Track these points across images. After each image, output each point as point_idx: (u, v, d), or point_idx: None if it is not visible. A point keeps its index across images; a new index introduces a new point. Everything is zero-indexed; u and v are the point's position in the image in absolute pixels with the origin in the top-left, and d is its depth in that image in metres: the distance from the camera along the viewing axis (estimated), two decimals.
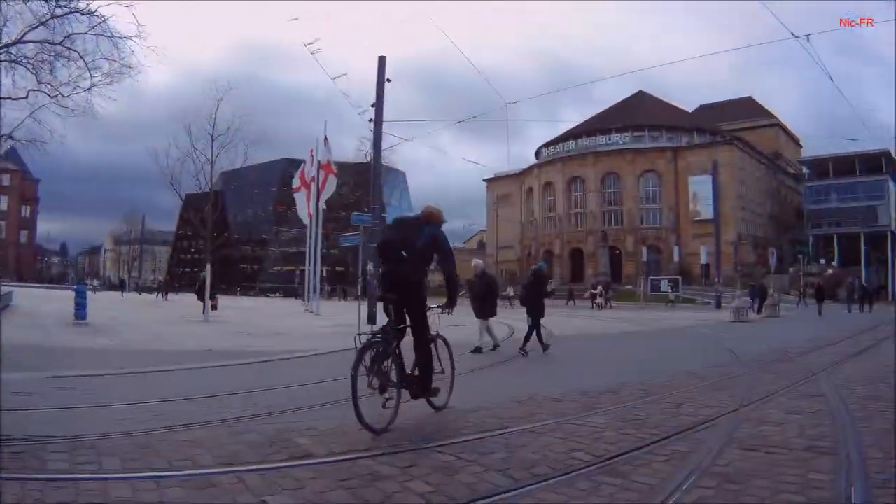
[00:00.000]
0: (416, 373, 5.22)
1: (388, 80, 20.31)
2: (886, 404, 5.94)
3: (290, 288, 67.27)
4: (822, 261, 61.48)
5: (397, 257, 5.23)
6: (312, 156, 28.18)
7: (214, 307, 21.94)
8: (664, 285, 50.58)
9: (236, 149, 23.01)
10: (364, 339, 5.01)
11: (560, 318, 24.85)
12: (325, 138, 27.93)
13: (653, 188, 69.43)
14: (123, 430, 4.70)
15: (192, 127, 22.81)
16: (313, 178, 27.92)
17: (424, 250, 5.27)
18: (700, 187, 64.36)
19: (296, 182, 31.09)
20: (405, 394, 5.03)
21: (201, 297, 22.00)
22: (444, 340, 5.70)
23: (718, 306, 36.69)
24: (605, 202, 70.87)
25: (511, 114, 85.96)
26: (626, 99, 79.36)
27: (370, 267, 19.60)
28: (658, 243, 67.02)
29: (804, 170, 74.87)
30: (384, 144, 21.72)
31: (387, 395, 4.85)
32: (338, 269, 70.11)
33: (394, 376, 4.98)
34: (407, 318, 5.27)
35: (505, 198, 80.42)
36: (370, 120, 20.63)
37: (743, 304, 25.91)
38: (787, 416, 5.42)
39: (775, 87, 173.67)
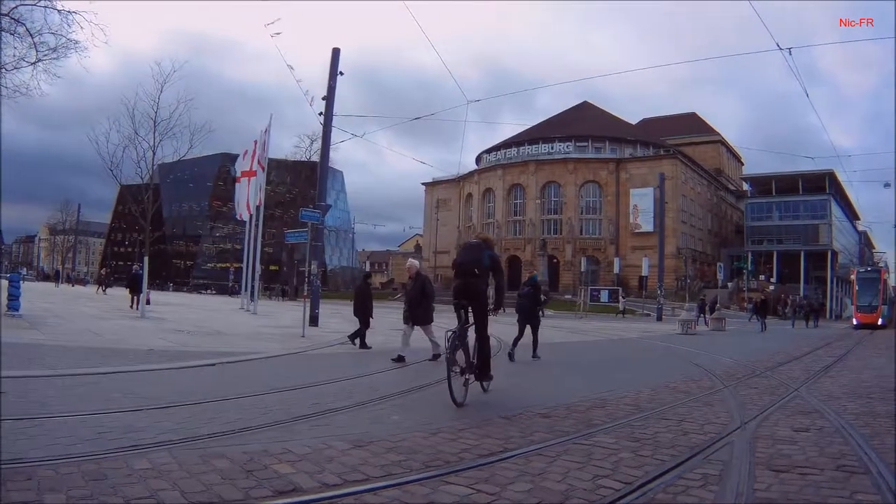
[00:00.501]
0: (476, 360, 6.86)
1: (341, 74, 20.32)
2: (886, 420, 6.02)
3: (222, 285, 66.19)
4: (762, 276, 63.84)
5: (471, 273, 6.98)
6: (255, 148, 27.27)
7: (147, 301, 21.15)
8: (605, 295, 51.25)
9: (180, 137, 22.12)
10: (449, 334, 6.58)
11: (497, 326, 24.15)
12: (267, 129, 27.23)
13: (593, 199, 70.60)
14: (68, 454, 3.93)
15: (134, 111, 21.72)
16: (254, 170, 27.10)
17: (487, 268, 7.07)
18: (641, 200, 66.62)
19: (240, 169, 29.96)
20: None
21: (133, 291, 21.81)
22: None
23: (660, 318, 37.60)
24: (545, 211, 71.67)
25: (454, 117, 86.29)
26: (570, 109, 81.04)
27: (313, 266, 19.67)
28: (597, 254, 68.17)
29: (746, 186, 77.97)
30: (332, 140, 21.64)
31: (465, 377, 6.57)
32: (271, 267, 68.94)
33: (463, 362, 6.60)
34: (471, 318, 6.92)
35: (443, 202, 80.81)
36: (320, 114, 20.56)
37: (691, 316, 26.40)
38: (795, 433, 5.34)
39: (719, 104, 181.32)
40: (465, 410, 6.13)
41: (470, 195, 78.85)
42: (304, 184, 59.47)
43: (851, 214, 79.71)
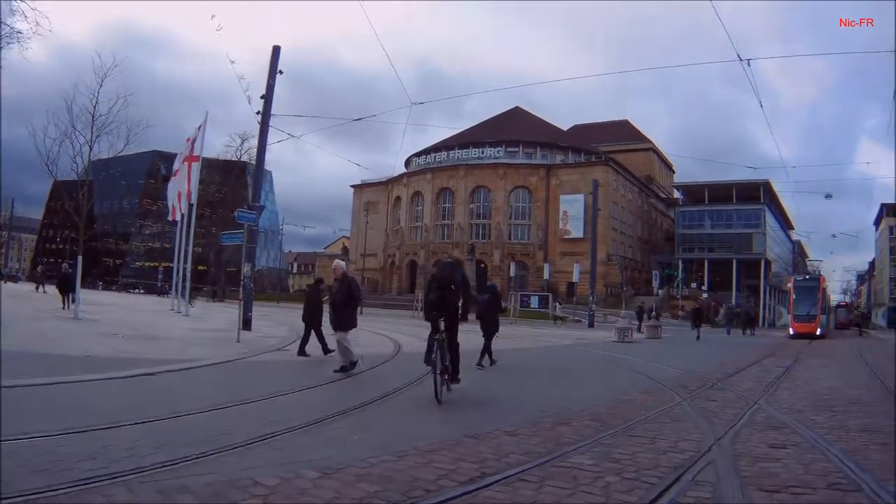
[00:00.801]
0: (449, 364, 7.90)
1: (281, 72, 20.09)
2: (860, 435, 6.09)
3: (150, 284, 64.90)
4: (694, 284, 65.72)
5: (447, 288, 8.21)
6: (190, 145, 26.39)
7: (73, 300, 20.76)
8: (535, 301, 51.27)
9: (118, 132, 21.36)
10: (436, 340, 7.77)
11: (422, 330, 23.99)
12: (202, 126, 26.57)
13: (523, 204, 71.07)
14: (20, 492, 3.40)
15: (73, 105, 21.00)
16: (187, 166, 26.35)
17: (458, 285, 8.29)
18: (571, 206, 67.42)
19: (174, 166, 28.92)
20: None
21: (63, 291, 21.50)
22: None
23: (591, 325, 38.00)
24: (473, 215, 71.90)
25: (385, 120, 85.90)
26: (502, 114, 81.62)
27: (246, 269, 19.59)
28: (525, 259, 68.55)
29: (677, 194, 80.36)
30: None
31: (444, 378, 7.76)
32: (199, 267, 66.63)
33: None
34: (442, 326, 7.98)
35: (372, 205, 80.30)
36: (257, 113, 20.17)
37: (627, 324, 26.59)
38: (773, 449, 5.31)
39: (651, 112, 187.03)
40: (426, 429, 5.91)
41: (398, 198, 78.58)
42: (234, 184, 58.19)
43: (786, 224, 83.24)
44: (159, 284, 63.58)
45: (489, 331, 12.55)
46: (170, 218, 30.39)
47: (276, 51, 20.02)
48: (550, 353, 18.32)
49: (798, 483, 4.20)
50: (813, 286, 36.82)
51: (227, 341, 14.51)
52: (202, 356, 11.37)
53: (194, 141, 26.58)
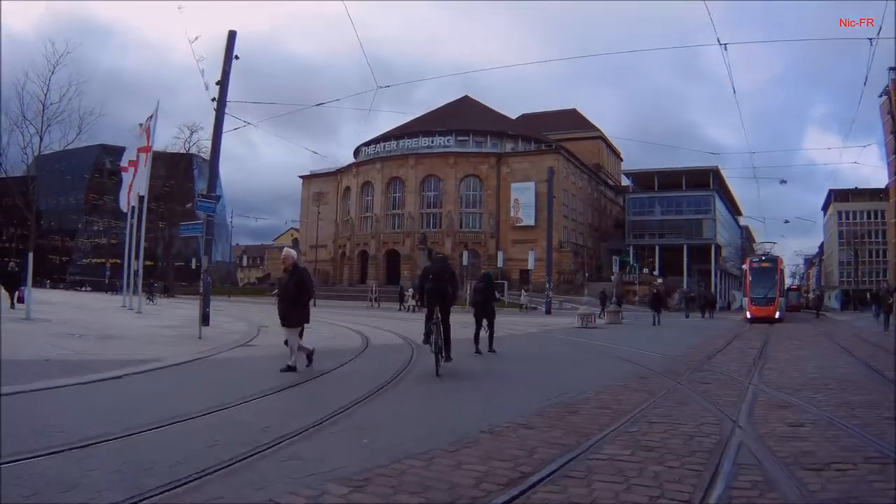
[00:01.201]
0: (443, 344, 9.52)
1: (237, 58, 19.75)
2: (866, 411, 6.24)
3: (98, 281, 63.46)
4: (646, 270, 66.52)
5: (445, 279, 9.99)
6: (145, 135, 25.38)
7: (21, 300, 20.15)
8: None
9: (69, 122, 20.52)
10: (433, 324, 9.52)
11: (381, 321, 24.75)
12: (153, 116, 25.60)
13: (474, 193, 71.23)
14: None
15: (23, 93, 20.55)
16: (137, 160, 25.41)
17: (451, 276, 10.28)
18: (522, 194, 67.94)
19: (126, 160, 27.68)
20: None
21: (9, 289, 20.81)
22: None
23: (548, 312, 38.31)
24: (424, 205, 71.82)
25: (325, 111, 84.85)
26: (451, 103, 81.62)
27: (205, 262, 19.10)
28: (477, 247, 68.29)
29: (627, 182, 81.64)
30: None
31: (441, 356, 9.33)
32: (146, 262, 64.64)
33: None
34: (439, 313, 9.61)
35: (321, 196, 79.53)
36: (213, 99, 19.71)
37: (590, 310, 26.87)
38: (793, 428, 5.40)
39: (599, 100, 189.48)
40: (434, 425, 5.75)
41: (348, 188, 78.00)
42: (180, 176, 56.86)
43: (734, 210, 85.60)
44: (107, 281, 62.28)
45: (483, 317, 12.84)
46: (122, 208, 29.19)
47: (232, 36, 19.64)
48: (522, 341, 18.09)
49: (838, 459, 4.26)
50: (770, 268, 34.65)
51: (189, 338, 14.15)
52: (166, 355, 10.90)
53: (148, 130, 25.51)
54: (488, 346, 12.62)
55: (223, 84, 19.44)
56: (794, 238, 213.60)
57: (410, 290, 41.20)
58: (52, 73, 20.40)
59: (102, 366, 9.07)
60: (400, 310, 38.89)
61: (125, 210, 27.93)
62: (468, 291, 22.95)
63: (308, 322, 9.65)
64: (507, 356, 12.61)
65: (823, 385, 8.19)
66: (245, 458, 4.29)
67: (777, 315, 31.88)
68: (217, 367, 10.30)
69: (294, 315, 9.31)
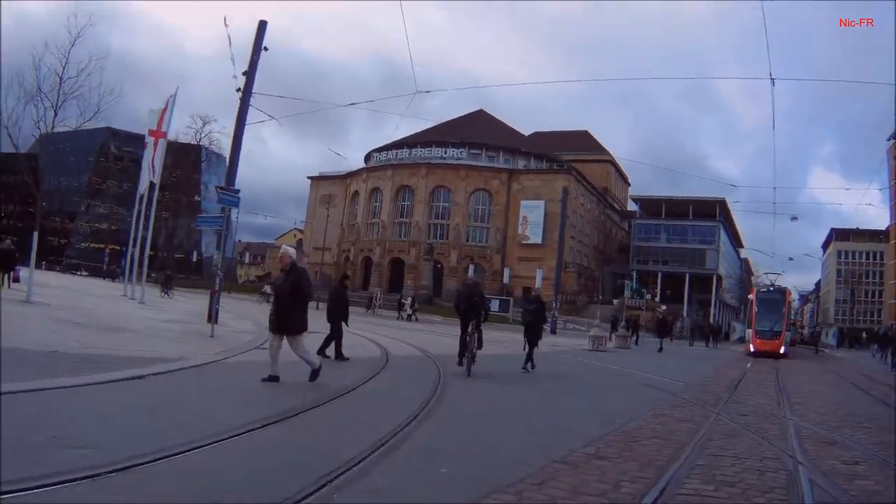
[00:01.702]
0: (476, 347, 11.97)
1: (265, 49, 19.52)
2: None
3: (96, 267, 63.30)
4: (648, 296, 66.13)
5: (472, 299, 12.46)
6: (161, 117, 25.19)
7: (17, 279, 20.17)
8: (496, 305, 50.76)
9: (88, 97, 20.34)
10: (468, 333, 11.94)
11: (387, 329, 24.78)
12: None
13: (483, 207, 71.61)
14: None
15: (41, 63, 19.52)
16: (162, 132, 25.34)
17: (480, 298, 12.66)
18: (531, 212, 68.38)
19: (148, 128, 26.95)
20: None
21: (4, 268, 20.42)
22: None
23: (553, 331, 37.80)
24: (432, 215, 72.12)
25: (340, 115, 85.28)
26: (465, 115, 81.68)
27: (217, 256, 19.04)
28: (482, 262, 68.84)
29: (633, 207, 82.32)
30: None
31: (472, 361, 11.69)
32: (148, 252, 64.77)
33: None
34: (471, 327, 11.99)
35: (328, 198, 79.44)
36: (238, 90, 19.47)
37: (601, 332, 26.91)
38: (852, 466, 5.73)
39: (610, 123, 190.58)
40: (501, 450, 5.67)
41: (356, 193, 78.17)
42: (188, 167, 57.06)
43: (736, 242, 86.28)
44: (105, 267, 62.20)
45: (533, 339, 13.60)
46: (144, 185, 27.76)
47: (263, 26, 19.40)
48: (543, 361, 17.45)
49: None
50: (778, 299, 32.21)
51: (198, 336, 13.81)
52: (180, 354, 10.37)
53: (163, 114, 25.26)
54: (524, 363, 13.31)
55: (250, 74, 19.25)
56: (792, 274, 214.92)
57: (409, 299, 42.56)
58: (73, 46, 20.03)
59: (115, 362, 8.53)
60: (399, 318, 38.96)
61: (153, 180, 26.56)
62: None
63: (306, 329, 8.67)
64: (538, 376, 12.86)
65: (856, 423, 8.56)
66: (318, 492, 3.85)
67: (782, 350, 29.86)
68: (240, 372, 9.69)
69: (291, 321, 8.45)
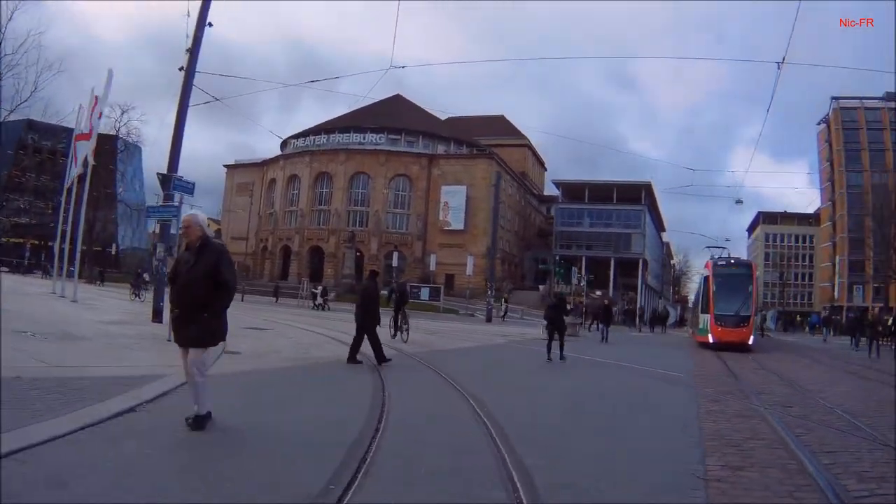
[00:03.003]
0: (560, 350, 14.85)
1: (210, 25, 18.40)
2: None
3: (16, 262, 62.39)
4: (575, 281, 67.81)
5: (558, 308, 15.99)
6: (92, 107, 23.49)
7: None
8: (425, 293, 51.17)
9: (26, 75, 19.53)
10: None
11: (291, 316, 25.23)
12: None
13: (403, 193, 72.56)
14: None
15: None
16: (88, 133, 23.63)
17: (563, 308, 16.49)
18: (452, 197, 69.83)
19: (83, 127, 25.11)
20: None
21: None
22: None
23: (489, 320, 38.81)
24: (351, 202, 72.56)
25: (249, 100, 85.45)
26: (382, 100, 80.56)
27: (160, 250, 17.77)
28: (403, 249, 68.52)
29: (553, 191, 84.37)
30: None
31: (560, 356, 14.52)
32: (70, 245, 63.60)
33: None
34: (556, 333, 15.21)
35: (245, 187, 79.49)
36: (180, 68, 18.31)
37: None
38: None
39: (527, 107, 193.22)
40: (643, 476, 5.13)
41: (273, 181, 77.90)
42: (105, 158, 56.71)
43: (658, 225, 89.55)
44: (26, 263, 60.71)
45: (555, 330, 15.40)
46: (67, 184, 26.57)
47: (206, 1, 18.10)
48: (510, 355, 18.00)
49: None
50: (743, 275, 25.59)
51: (156, 340, 11.82)
52: (153, 368, 8.58)
53: (97, 101, 23.38)
54: (559, 355, 14.91)
55: (193, 51, 18.01)
56: (703, 258, 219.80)
57: (320, 288, 42.71)
58: (10, 19, 19.53)
59: (95, 385, 6.94)
60: (314, 308, 38.75)
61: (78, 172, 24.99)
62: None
63: (224, 339, 6.02)
64: (567, 368, 14.00)
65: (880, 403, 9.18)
66: None
67: (751, 341, 24.13)
68: (239, 392, 7.85)
69: (203, 327, 5.71)
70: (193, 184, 17.32)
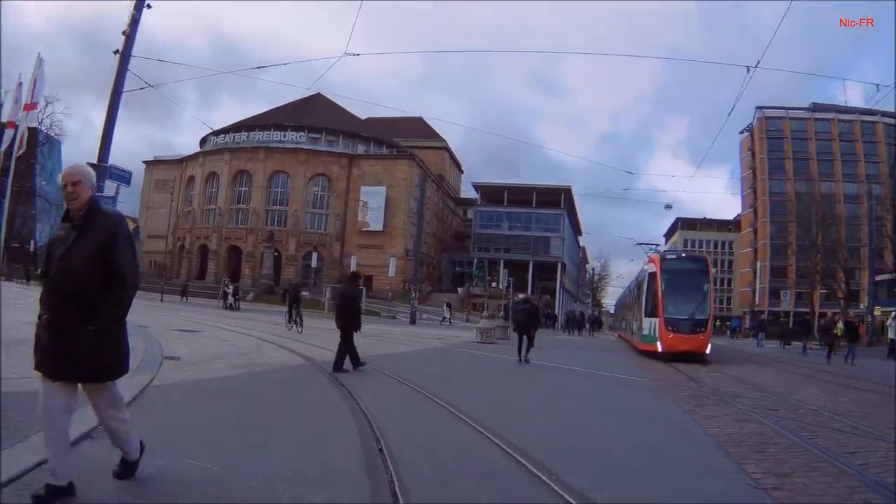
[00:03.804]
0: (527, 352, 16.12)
1: (149, 6, 17.43)
2: None
3: None
4: (494, 284, 69.17)
5: (529, 313, 17.12)
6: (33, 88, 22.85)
7: None
8: None
9: None
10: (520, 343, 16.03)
11: (210, 317, 25.54)
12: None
13: (323, 193, 73.33)
14: None
15: None
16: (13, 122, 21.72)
17: (538, 314, 19.16)
18: (372, 198, 70.99)
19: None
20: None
21: None
22: None
23: (413, 322, 39.30)
24: (270, 201, 72.96)
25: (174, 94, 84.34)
26: (303, 98, 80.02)
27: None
28: (321, 250, 69.62)
29: (468, 194, 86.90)
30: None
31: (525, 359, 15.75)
32: None
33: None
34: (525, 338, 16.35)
35: (164, 184, 78.69)
36: (116, 52, 17.17)
37: (490, 325, 26.42)
38: None
39: (444, 110, 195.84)
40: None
41: (192, 178, 77.49)
42: (24, 151, 56.28)
43: (576, 229, 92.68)
44: None
45: (524, 333, 16.36)
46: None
47: None
48: (462, 360, 17.78)
49: None
50: (699, 270, 22.16)
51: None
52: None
53: (34, 85, 22.47)
54: (525, 355, 15.84)
55: (130, 35, 17.10)
56: (621, 262, 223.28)
57: (231, 286, 42.23)
58: None
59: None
60: (224, 307, 38.53)
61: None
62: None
63: (123, 372, 4.12)
64: (535, 373, 14.19)
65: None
66: None
67: (708, 350, 20.39)
68: (186, 415, 6.77)
69: (89, 346, 3.76)
70: (130, 173, 16.36)
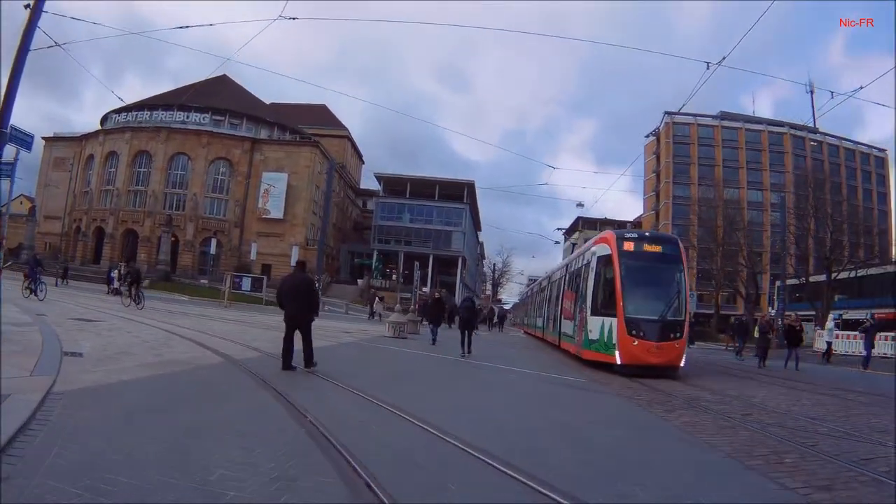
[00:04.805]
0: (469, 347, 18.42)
1: None
2: None
3: None
4: (394, 277, 72.23)
5: (472, 313, 20.20)
6: None
7: None
8: (246, 283, 49.31)
9: None
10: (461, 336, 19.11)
11: (102, 303, 25.90)
12: None
13: (223, 177, 73.71)
14: None
15: None
16: None
17: (477, 310, 22.26)
18: (274, 184, 72.31)
19: None
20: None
21: None
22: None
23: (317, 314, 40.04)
24: (170, 184, 72.84)
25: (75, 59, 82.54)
26: (208, 80, 78.16)
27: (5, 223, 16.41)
28: (220, 236, 70.33)
29: (368, 184, 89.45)
30: None
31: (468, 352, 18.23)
32: None
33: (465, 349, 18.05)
34: (468, 333, 18.75)
35: (62, 162, 78.12)
36: (26, 6, 14.92)
37: (401, 318, 26.55)
38: None
39: (347, 99, 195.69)
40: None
41: (91, 157, 76.53)
42: None
43: (476, 224, 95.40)
44: None
45: (466, 329, 19.04)
46: None
47: None
48: (387, 355, 17.58)
49: None
50: (671, 255, 17.48)
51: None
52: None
53: None
54: (467, 350, 18.12)
55: None
56: (520, 258, 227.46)
57: (116, 271, 39.26)
58: None
59: None
60: (108, 293, 36.80)
61: None
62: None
63: None
64: (479, 372, 14.55)
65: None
66: None
67: (682, 362, 16.55)
68: (97, 446, 5.21)
69: None
70: (32, 136, 15.21)
